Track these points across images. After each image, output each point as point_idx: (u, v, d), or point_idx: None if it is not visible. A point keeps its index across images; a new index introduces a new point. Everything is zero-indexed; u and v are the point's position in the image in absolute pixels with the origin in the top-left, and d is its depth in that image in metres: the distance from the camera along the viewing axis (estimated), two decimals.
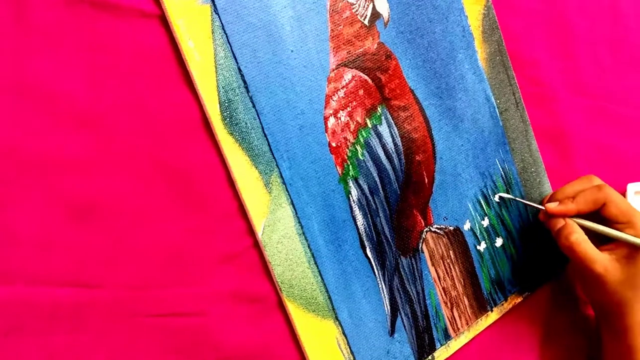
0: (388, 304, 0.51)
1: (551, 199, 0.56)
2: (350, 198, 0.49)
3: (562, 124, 0.62)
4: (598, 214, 0.54)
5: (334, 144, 0.49)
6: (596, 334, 0.60)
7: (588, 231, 0.53)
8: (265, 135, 0.46)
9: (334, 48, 0.48)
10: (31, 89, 0.40)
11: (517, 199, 0.58)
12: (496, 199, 0.57)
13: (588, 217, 0.54)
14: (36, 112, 0.40)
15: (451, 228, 0.55)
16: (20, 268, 0.40)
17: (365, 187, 0.50)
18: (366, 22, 0.50)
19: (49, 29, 0.40)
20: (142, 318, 0.44)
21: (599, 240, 0.53)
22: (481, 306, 0.57)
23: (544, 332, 0.61)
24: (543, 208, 0.55)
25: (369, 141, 0.50)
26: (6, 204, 0.40)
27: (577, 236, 0.52)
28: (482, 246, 0.57)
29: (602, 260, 0.52)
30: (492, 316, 0.58)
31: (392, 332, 0.52)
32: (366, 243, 0.50)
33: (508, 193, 0.58)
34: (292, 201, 0.47)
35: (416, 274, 0.53)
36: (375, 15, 0.50)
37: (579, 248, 0.52)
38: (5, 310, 0.40)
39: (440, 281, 0.54)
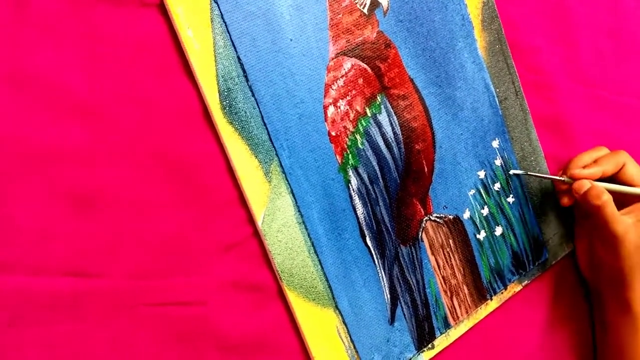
0: (388, 293, 0.52)
1: (569, 167, 0.58)
2: (350, 187, 0.49)
3: (561, 112, 0.62)
4: (613, 179, 0.57)
5: (333, 133, 0.48)
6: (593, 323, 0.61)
7: None
8: (265, 124, 0.46)
9: (333, 37, 0.48)
10: (30, 79, 0.40)
11: (530, 172, 0.59)
12: (510, 173, 0.58)
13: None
14: (35, 102, 0.40)
15: (451, 217, 0.55)
16: (21, 258, 0.40)
17: (364, 176, 0.50)
18: (365, 10, 0.49)
19: (48, 19, 0.40)
20: (142, 307, 0.44)
21: (617, 204, 0.56)
22: (481, 295, 0.57)
23: (543, 320, 0.62)
24: (563, 179, 0.57)
25: (369, 130, 0.50)
26: (7, 194, 0.40)
27: (607, 197, 0.54)
28: (482, 235, 0.57)
29: (624, 222, 0.54)
30: (492, 305, 0.58)
31: (392, 320, 0.52)
32: (366, 232, 0.50)
33: (507, 182, 0.58)
34: (291, 190, 0.47)
35: (416, 262, 0.53)
36: (375, 3, 0.50)
37: (608, 207, 0.54)
38: (6, 300, 0.40)
39: (440, 270, 0.54)
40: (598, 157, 0.58)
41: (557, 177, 0.58)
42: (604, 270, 0.59)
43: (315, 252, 0.48)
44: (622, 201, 0.57)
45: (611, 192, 0.55)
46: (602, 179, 0.57)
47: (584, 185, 0.55)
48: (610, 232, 0.54)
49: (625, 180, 0.57)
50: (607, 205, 0.54)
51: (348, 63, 0.49)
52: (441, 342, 0.55)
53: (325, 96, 0.48)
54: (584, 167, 0.57)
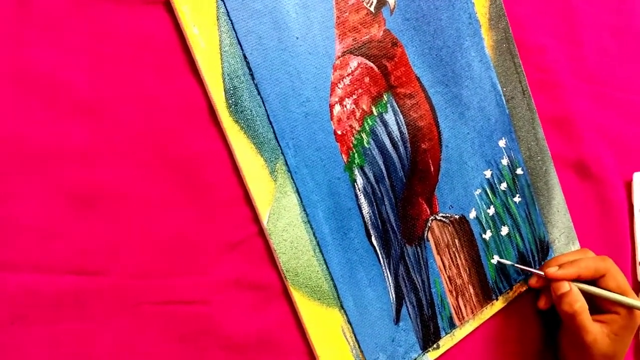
0: (393, 292, 0.51)
1: (548, 264, 0.57)
2: (356, 186, 0.49)
3: (568, 111, 0.61)
4: (592, 284, 0.56)
5: (339, 132, 0.48)
6: None
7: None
8: (271, 123, 0.45)
9: (339, 35, 0.48)
10: (34, 77, 0.39)
11: (516, 264, 0.58)
12: (493, 261, 0.57)
13: None
14: (39, 100, 0.40)
15: (457, 216, 0.55)
16: (25, 257, 0.40)
17: (370, 175, 0.50)
18: (372, 9, 0.49)
19: (52, 17, 0.40)
20: (146, 306, 0.44)
21: (592, 308, 0.55)
22: (486, 295, 0.57)
23: (549, 320, 0.61)
24: (541, 273, 0.56)
25: (375, 129, 0.50)
26: (10, 192, 0.39)
27: (580, 305, 0.53)
28: (488, 235, 0.56)
29: (594, 332, 0.54)
30: (498, 305, 0.58)
31: (397, 320, 0.52)
32: (371, 231, 0.50)
33: (514, 182, 0.57)
34: (297, 189, 0.47)
35: (421, 262, 0.53)
36: (382, 2, 0.49)
37: (580, 317, 0.53)
38: (10, 299, 0.40)
39: (445, 270, 0.54)
40: (579, 259, 0.56)
41: (537, 271, 0.57)
42: None
43: (321, 251, 0.48)
44: (601, 307, 0.56)
45: (589, 295, 0.55)
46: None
47: (562, 287, 0.54)
48: (580, 339, 0.54)
49: (604, 288, 0.55)
50: (579, 314, 0.53)
51: (354, 61, 0.49)
52: (446, 342, 0.55)
53: (331, 95, 0.48)
54: (561, 266, 0.55)
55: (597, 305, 0.56)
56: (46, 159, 0.40)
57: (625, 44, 0.67)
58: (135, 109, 0.42)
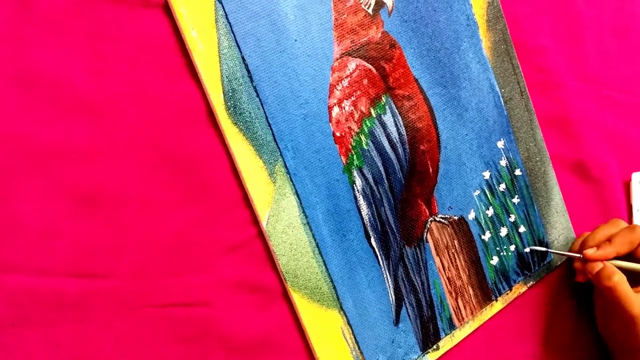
0: (393, 294, 0.51)
1: (584, 245, 0.57)
2: (355, 188, 0.49)
3: (567, 112, 0.61)
4: (628, 256, 0.56)
5: (338, 134, 0.48)
6: None
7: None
8: (270, 125, 0.45)
9: (337, 37, 0.48)
10: (34, 78, 0.40)
11: (550, 250, 0.59)
12: (527, 250, 0.59)
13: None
14: (40, 101, 0.40)
15: (456, 218, 0.55)
16: (25, 258, 0.40)
17: (369, 176, 0.50)
18: (370, 10, 0.49)
19: (53, 18, 0.40)
20: (146, 308, 0.44)
21: (632, 281, 0.55)
22: (486, 296, 0.57)
23: (548, 321, 0.61)
24: (579, 256, 0.57)
25: (373, 131, 0.50)
26: (10, 193, 0.40)
27: (618, 277, 0.54)
28: (487, 236, 0.56)
29: (639, 302, 0.53)
30: (497, 306, 0.58)
31: (396, 321, 0.52)
32: (370, 233, 0.50)
33: (512, 183, 0.57)
34: (296, 191, 0.47)
35: (421, 263, 0.53)
36: (380, 4, 0.50)
37: (620, 288, 0.53)
38: (11, 300, 0.40)
39: (444, 271, 0.54)
40: (612, 234, 0.56)
41: (574, 254, 0.57)
42: (619, 344, 0.59)
43: (320, 253, 0.48)
44: (638, 279, 0.56)
45: (625, 269, 0.55)
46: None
47: (596, 266, 0.55)
48: (624, 312, 0.54)
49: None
50: (619, 286, 0.53)
51: (353, 63, 0.49)
52: (446, 343, 0.55)
53: (329, 97, 0.48)
54: (598, 246, 0.56)
55: (636, 279, 0.55)
56: (45, 160, 0.40)
57: (626, 44, 0.67)
58: (134, 111, 0.42)
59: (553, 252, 0.59)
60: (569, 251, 0.60)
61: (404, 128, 0.51)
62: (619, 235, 0.56)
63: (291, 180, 0.47)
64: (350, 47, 0.49)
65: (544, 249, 0.59)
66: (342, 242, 0.49)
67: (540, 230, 0.60)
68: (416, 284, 0.53)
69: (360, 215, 0.50)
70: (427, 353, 0.53)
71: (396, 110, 0.51)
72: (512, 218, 0.58)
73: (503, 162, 0.57)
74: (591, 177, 0.63)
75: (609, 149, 0.65)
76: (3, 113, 0.39)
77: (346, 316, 0.49)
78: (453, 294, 0.55)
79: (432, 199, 0.53)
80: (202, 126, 0.44)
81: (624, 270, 0.55)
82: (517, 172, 0.58)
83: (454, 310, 0.55)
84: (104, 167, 0.42)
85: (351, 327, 0.50)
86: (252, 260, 0.47)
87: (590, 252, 0.55)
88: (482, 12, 0.55)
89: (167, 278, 0.44)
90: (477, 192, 0.56)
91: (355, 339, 0.50)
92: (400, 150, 0.51)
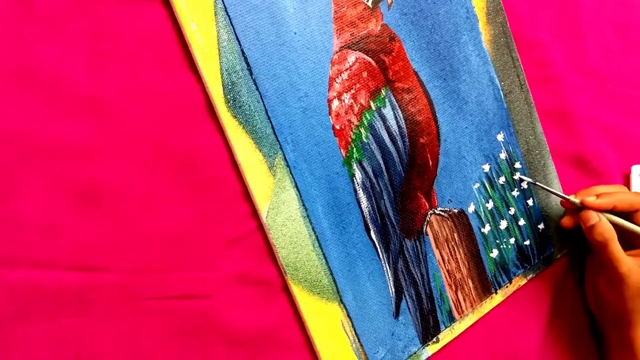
0: (392, 287, 0.52)
1: (584, 193, 0.56)
2: (355, 181, 0.49)
3: (567, 106, 0.61)
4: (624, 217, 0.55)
5: (337, 127, 0.48)
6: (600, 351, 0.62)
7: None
8: (269, 118, 0.45)
9: (337, 30, 0.48)
10: (34, 74, 0.40)
11: (544, 186, 0.57)
12: (516, 177, 0.57)
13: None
14: (39, 97, 0.40)
15: (455, 210, 0.55)
16: (27, 253, 0.40)
17: (369, 169, 0.50)
18: (370, 3, 0.49)
19: (51, 15, 0.40)
20: (147, 301, 0.44)
21: (622, 242, 0.54)
22: (485, 288, 0.57)
23: (547, 314, 0.61)
24: (576, 200, 0.56)
25: (373, 124, 0.50)
26: (12, 189, 0.40)
27: (611, 234, 0.53)
28: (487, 229, 0.57)
29: (628, 263, 0.53)
30: (497, 298, 0.58)
31: (396, 314, 0.52)
32: (370, 226, 0.50)
33: (512, 176, 0.57)
34: (296, 184, 0.47)
35: (420, 256, 0.53)
36: None
37: (612, 245, 0.53)
38: (12, 295, 0.40)
39: (444, 264, 0.54)
40: (615, 192, 0.56)
41: (568, 197, 0.56)
42: (608, 309, 0.58)
43: (320, 246, 0.48)
44: (632, 242, 0.55)
45: (621, 229, 0.54)
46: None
47: (592, 218, 0.54)
48: (613, 271, 0.53)
49: (638, 224, 0.55)
50: (610, 243, 0.53)
51: (352, 56, 0.49)
52: (446, 335, 0.55)
53: (329, 90, 0.48)
54: (598, 196, 0.55)
55: (629, 241, 0.55)
56: (46, 156, 0.40)
57: (626, 38, 0.67)
58: (133, 104, 0.42)
59: (548, 190, 0.57)
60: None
61: (403, 121, 0.51)
62: (621, 193, 0.56)
63: (291, 173, 0.47)
64: (349, 40, 0.48)
65: (531, 179, 0.57)
66: (342, 235, 0.49)
67: (540, 223, 0.60)
68: (416, 276, 0.53)
69: (360, 208, 0.50)
70: (427, 345, 0.54)
71: (396, 103, 0.51)
72: (512, 211, 0.58)
73: (503, 155, 0.57)
74: (591, 170, 0.63)
75: (608, 142, 0.65)
76: (4, 110, 0.39)
77: (346, 309, 0.50)
78: (453, 286, 0.55)
79: (431, 191, 0.53)
80: (201, 119, 0.44)
81: (617, 228, 0.54)
82: (517, 165, 0.58)
83: (453, 303, 0.55)
84: (104, 162, 0.42)
85: (351, 320, 0.50)
86: (252, 253, 0.47)
87: (590, 199, 0.55)
88: (482, 5, 0.55)
89: (167, 271, 0.44)
90: (477, 185, 0.56)
91: (355, 331, 0.50)
92: (400, 143, 0.51)
